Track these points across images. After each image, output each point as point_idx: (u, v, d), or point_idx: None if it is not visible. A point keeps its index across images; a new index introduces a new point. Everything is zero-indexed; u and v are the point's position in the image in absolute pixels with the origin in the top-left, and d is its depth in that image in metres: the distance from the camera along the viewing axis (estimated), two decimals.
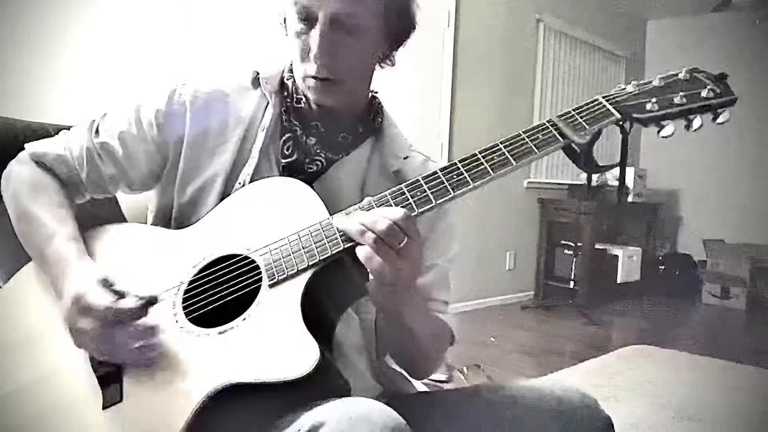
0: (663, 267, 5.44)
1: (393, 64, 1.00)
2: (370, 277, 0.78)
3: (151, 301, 0.79)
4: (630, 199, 5.18)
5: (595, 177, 4.41)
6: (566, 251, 4.80)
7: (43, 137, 1.03)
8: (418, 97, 3.94)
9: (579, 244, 4.64)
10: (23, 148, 1.00)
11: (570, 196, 5.03)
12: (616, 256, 5.00)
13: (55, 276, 0.85)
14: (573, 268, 4.73)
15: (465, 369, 2.78)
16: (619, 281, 5.00)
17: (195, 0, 2.80)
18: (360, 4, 0.88)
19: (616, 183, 5.16)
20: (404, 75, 3.71)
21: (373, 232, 0.76)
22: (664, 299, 5.08)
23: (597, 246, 4.84)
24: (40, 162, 0.98)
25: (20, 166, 0.98)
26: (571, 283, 4.73)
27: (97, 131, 0.99)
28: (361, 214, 0.79)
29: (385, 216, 0.77)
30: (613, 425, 0.88)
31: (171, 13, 2.72)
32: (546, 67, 4.93)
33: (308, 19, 0.88)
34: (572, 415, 0.85)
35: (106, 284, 0.79)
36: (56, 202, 0.94)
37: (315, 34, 0.88)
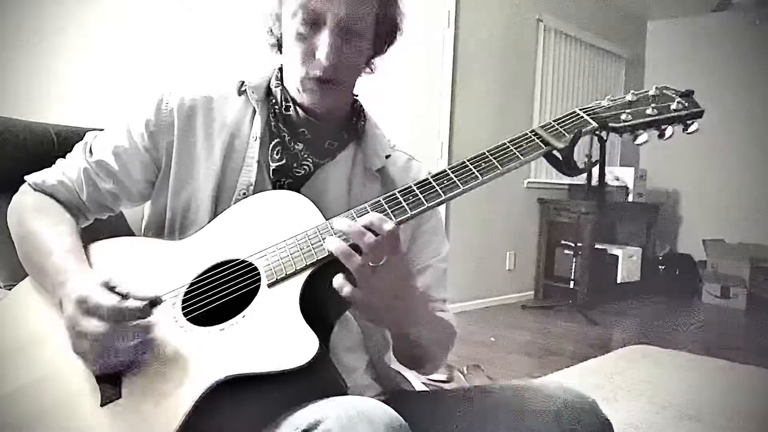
0: (663, 267, 5.44)
1: (373, 71, 1.04)
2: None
3: (155, 302, 0.80)
4: (630, 199, 5.19)
5: (595, 177, 4.42)
6: (566, 251, 4.81)
7: (44, 137, 1.04)
8: (418, 97, 3.95)
9: (579, 244, 4.64)
10: (24, 148, 1.01)
11: (570, 196, 5.04)
12: (616, 256, 5.00)
13: (55, 286, 0.86)
14: (573, 268, 4.73)
15: (465, 369, 2.78)
16: (619, 281, 5.00)
17: (194, 1, 2.80)
18: (363, 9, 0.92)
19: (616, 183, 5.17)
20: (405, 75, 3.72)
21: (359, 246, 0.77)
22: (664, 299, 5.08)
23: (597, 246, 4.84)
24: (41, 190, 1.00)
25: (23, 196, 1.01)
26: (571, 283, 4.73)
27: (90, 151, 1.02)
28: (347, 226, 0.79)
29: (368, 226, 0.78)
30: (612, 427, 0.89)
31: (171, 13, 2.73)
32: (546, 67, 4.93)
33: (315, 23, 0.91)
34: (572, 416, 0.85)
35: (109, 286, 0.80)
36: (57, 220, 0.96)
37: (324, 37, 0.90)
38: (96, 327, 0.77)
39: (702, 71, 5.31)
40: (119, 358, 0.78)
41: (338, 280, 0.78)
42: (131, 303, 0.78)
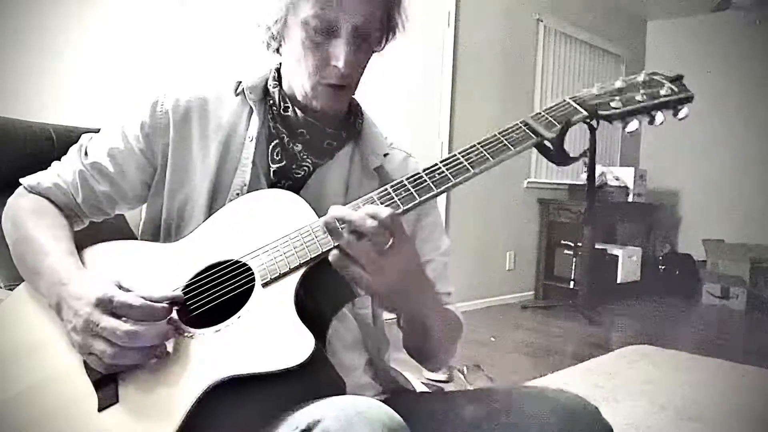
0: (663, 267, 5.44)
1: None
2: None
3: (177, 301, 0.81)
4: (630, 199, 5.18)
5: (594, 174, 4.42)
6: (566, 251, 4.81)
7: (44, 138, 1.03)
8: (418, 97, 3.95)
9: (579, 244, 4.64)
10: (24, 148, 1.01)
11: (570, 196, 5.04)
12: (616, 256, 5.00)
13: (51, 288, 0.85)
14: (573, 268, 4.73)
15: (465, 369, 2.78)
16: (619, 281, 5.00)
17: (196, 2, 2.80)
18: (374, 15, 0.93)
19: (616, 183, 5.16)
20: (404, 75, 3.72)
21: (360, 232, 0.77)
22: (664, 299, 5.08)
23: (597, 246, 4.84)
24: (36, 192, 1.00)
25: (18, 198, 1.00)
26: (571, 283, 4.73)
27: (86, 153, 1.01)
28: (348, 212, 0.80)
29: (370, 214, 0.78)
30: None
31: (171, 14, 2.73)
32: (546, 67, 4.93)
33: (328, 31, 0.91)
34: (572, 420, 0.85)
35: (122, 287, 0.80)
36: (53, 224, 0.96)
37: (340, 45, 0.91)
38: (117, 327, 0.76)
39: (702, 71, 5.30)
40: (135, 358, 0.77)
41: (339, 259, 0.78)
42: (159, 303, 0.79)
